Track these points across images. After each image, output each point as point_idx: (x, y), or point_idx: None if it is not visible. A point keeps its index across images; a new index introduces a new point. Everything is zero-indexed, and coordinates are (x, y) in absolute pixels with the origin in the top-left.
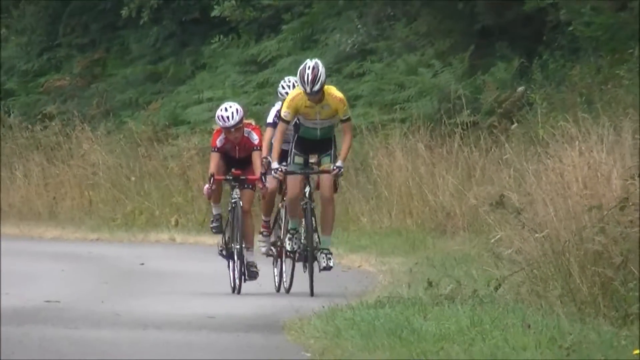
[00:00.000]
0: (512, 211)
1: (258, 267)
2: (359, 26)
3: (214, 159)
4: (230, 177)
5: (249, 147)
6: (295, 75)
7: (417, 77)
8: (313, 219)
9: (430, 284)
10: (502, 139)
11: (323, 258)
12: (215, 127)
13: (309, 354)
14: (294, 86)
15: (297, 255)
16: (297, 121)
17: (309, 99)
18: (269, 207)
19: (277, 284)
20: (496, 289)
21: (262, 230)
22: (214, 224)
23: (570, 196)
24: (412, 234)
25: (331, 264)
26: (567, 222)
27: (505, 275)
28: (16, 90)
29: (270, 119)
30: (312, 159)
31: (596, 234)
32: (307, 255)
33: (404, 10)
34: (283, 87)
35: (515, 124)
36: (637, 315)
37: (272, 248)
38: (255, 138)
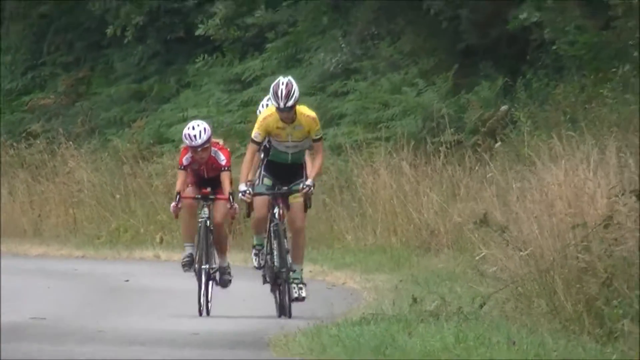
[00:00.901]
0: (497, 229)
1: (232, 274)
2: (343, 45)
3: (181, 177)
4: (199, 197)
5: (217, 167)
6: None
7: (401, 95)
8: (285, 240)
9: (415, 300)
10: (486, 158)
11: (295, 289)
12: (183, 145)
13: None
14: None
15: (266, 274)
16: (267, 145)
17: (281, 119)
18: (257, 227)
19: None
20: (481, 306)
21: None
22: (187, 259)
23: (554, 214)
24: (396, 252)
25: (303, 294)
26: (551, 240)
27: (490, 292)
28: (1, 108)
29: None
30: (282, 186)
31: (580, 252)
32: (278, 277)
33: (388, 29)
34: (262, 107)
35: (499, 143)
36: (622, 333)
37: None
38: (222, 159)
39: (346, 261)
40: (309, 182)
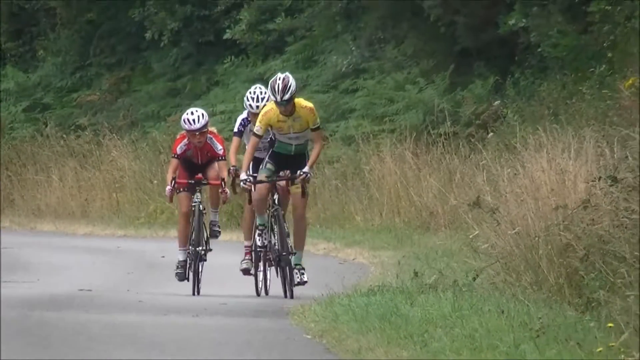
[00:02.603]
0: (488, 210)
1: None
2: (354, 48)
3: (173, 165)
4: (193, 182)
5: (212, 155)
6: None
7: (405, 92)
8: (285, 224)
9: (416, 274)
10: (479, 147)
11: (296, 274)
12: (179, 134)
13: (309, 336)
14: (258, 98)
15: (267, 254)
16: (273, 137)
17: (280, 112)
18: (249, 230)
19: (260, 288)
20: (474, 279)
21: (244, 256)
22: (179, 270)
23: (539, 197)
24: (400, 231)
25: (305, 279)
26: (536, 220)
27: (482, 267)
28: (52, 104)
29: (236, 128)
30: (283, 173)
31: (562, 231)
32: (281, 260)
33: (393, 34)
34: (247, 99)
35: (491, 134)
36: (598, 302)
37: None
38: (219, 148)
39: (356, 239)
40: (305, 169)
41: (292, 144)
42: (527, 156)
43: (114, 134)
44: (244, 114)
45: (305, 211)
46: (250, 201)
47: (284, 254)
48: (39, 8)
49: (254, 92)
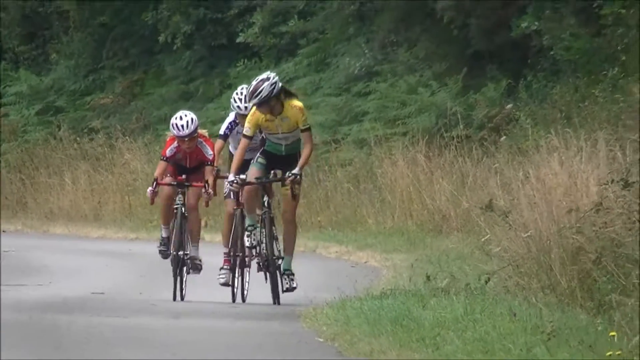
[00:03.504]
0: (500, 214)
1: (202, 261)
2: (366, 51)
3: (160, 168)
4: (175, 183)
5: (201, 159)
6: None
7: (417, 95)
8: (273, 227)
9: (428, 277)
10: (491, 150)
11: (285, 280)
12: (169, 136)
13: (321, 339)
14: (246, 99)
15: (256, 255)
16: (264, 136)
17: (268, 112)
18: (228, 236)
19: (235, 295)
20: (486, 282)
21: (223, 265)
22: (162, 247)
23: (551, 200)
24: (412, 234)
25: (294, 285)
26: (548, 223)
27: (494, 270)
28: (65, 107)
29: (222, 131)
30: (274, 174)
31: (574, 234)
32: (269, 265)
33: (406, 37)
34: (235, 100)
35: (503, 137)
36: (610, 305)
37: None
38: (209, 153)
39: (368, 242)
40: (295, 170)
41: (281, 144)
42: (539, 159)
43: (126, 137)
44: (231, 117)
45: (295, 215)
46: (238, 204)
47: (273, 257)
48: (52, 11)
49: (242, 93)
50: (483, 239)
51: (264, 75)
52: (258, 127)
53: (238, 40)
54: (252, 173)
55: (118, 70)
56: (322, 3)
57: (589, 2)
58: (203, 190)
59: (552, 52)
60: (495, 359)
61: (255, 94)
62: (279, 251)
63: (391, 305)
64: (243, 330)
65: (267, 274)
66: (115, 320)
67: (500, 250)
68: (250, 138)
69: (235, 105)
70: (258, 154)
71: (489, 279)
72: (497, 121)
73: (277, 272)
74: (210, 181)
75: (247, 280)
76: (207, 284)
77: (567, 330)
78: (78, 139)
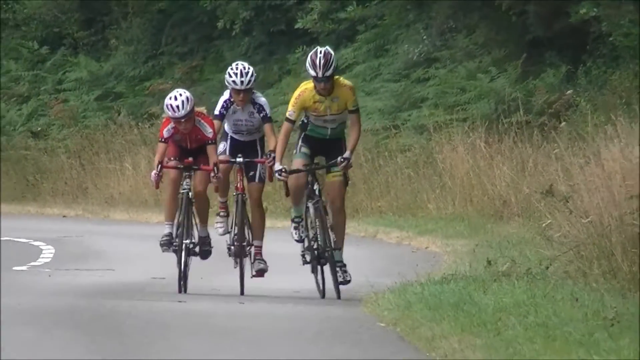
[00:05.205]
0: (561, 199)
1: (212, 244)
2: (425, 37)
3: (160, 150)
4: (182, 166)
5: (202, 139)
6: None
7: (476, 81)
8: (326, 217)
9: (489, 262)
10: (551, 136)
11: (339, 272)
12: (164, 117)
13: (383, 324)
14: (242, 73)
15: (305, 254)
16: (305, 120)
17: (317, 92)
18: (224, 188)
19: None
20: (547, 267)
21: (219, 211)
22: (164, 239)
23: (612, 186)
24: (473, 219)
25: (348, 278)
26: (609, 209)
27: (555, 255)
28: (125, 92)
29: (217, 111)
30: (318, 160)
31: (635, 219)
32: (321, 257)
33: (464, 23)
34: (230, 75)
35: (563, 123)
36: None
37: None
38: (209, 131)
39: (428, 228)
40: (346, 154)
41: (327, 127)
42: (599, 145)
43: None
44: (226, 95)
45: (344, 203)
46: (287, 194)
47: (327, 249)
48: None
49: (237, 68)
50: (544, 225)
51: (321, 48)
52: (304, 110)
53: (297, 26)
54: (297, 164)
55: (177, 56)
56: None
57: None
58: (212, 174)
59: (611, 39)
60: (556, 345)
61: (329, 64)
62: (334, 242)
63: (452, 290)
64: (303, 315)
65: (319, 268)
66: (175, 305)
67: (561, 235)
68: (293, 122)
69: (231, 80)
70: (300, 142)
71: (550, 264)
72: (556, 107)
73: (331, 264)
74: (216, 160)
75: (247, 270)
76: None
77: (630, 316)
78: (138, 124)
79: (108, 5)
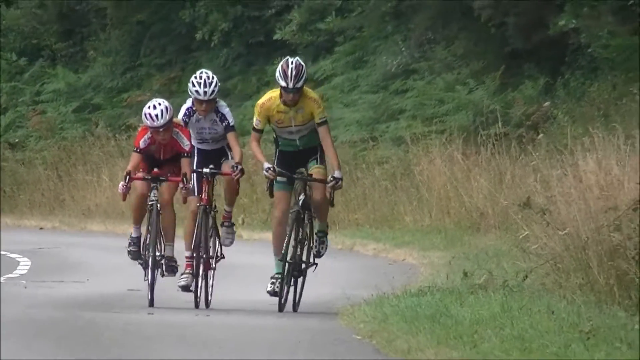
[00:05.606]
0: (538, 211)
1: (178, 262)
2: (403, 48)
3: (134, 160)
4: (149, 177)
5: (177, 150)
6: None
7: (455, 93)
8: (307, 229)
9: (465, 275)
10: (529, 148)
11: (316, 242)
12: (141, 126)
13: (359, 337)
14: (205, 83)
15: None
16: (274, 135)
17: (283, 102)
18: (191, 237)
19: (199, 300)
20: (524, 279)
21: (185, 269)
22: (132, 248)
23: (589, 198)
24: (450, 232)
25: (322, 252)
26: (586, 221)
27: (532, 267)
28: (102, 104)
29: (180, 116)
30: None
31: (612, 232)
32: (294, 269)
33: (443, 35)
34: (193, 85)
35: (541, 135)
36: None
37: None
38: (186, 143)
39: (405, 240)
40: (336, 174)
41: (295, 139)
42: (577, 157)
43: None
44: (189, 103)
45: (325, 196)
46: (271, 193)
47: (301, 262)
48: (89, 9)
49: (200, 77)
50: (521, 237)
51: (292, 59)
52: (268, 119)
53: (275, 37)
54: (281, 197)
55: (155, 68)
56: (360, 1)
57: (626, 0)
58: (180, 185)
59: (589, 50)
60: (532, 357)
61: (300, 76)
62: (309, 254)
63: (429, 303)
64: (280, 327)
65: (291, 278)
66: (153, 317)
67: (538, 247)
68: (260, 131)
69: (194, 90)
70: (276, 162)
71: (526, 276)
72: (534, 119)
73: (302, 278)
74: (188, 175)
75: (212, 284)
76: (245, 282)
77: (606, 329)
78: (115, 136)
79: (87, 17)
